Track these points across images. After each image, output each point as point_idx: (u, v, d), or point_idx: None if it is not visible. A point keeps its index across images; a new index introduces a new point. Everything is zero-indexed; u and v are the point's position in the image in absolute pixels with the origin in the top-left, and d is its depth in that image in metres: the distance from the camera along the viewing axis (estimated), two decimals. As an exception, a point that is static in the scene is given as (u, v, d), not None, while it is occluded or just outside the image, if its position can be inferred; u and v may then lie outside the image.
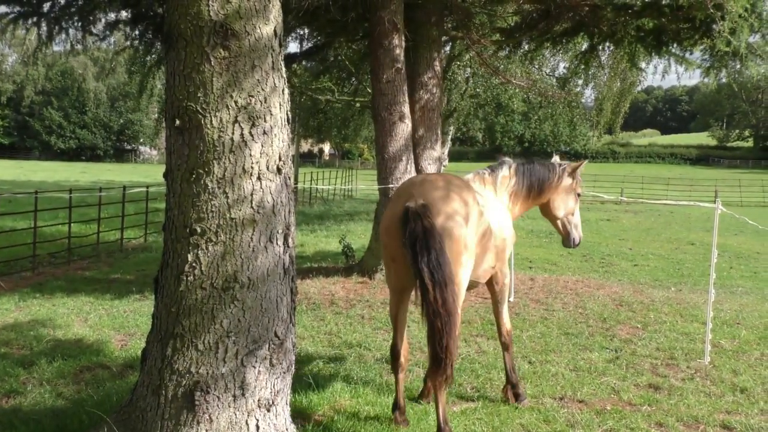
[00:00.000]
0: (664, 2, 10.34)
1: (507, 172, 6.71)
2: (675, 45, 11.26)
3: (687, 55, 11.64)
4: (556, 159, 7.13)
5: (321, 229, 23.17)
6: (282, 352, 4.63)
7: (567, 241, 7.09)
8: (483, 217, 5.69)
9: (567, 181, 6.93)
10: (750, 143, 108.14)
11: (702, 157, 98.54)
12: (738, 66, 11.76)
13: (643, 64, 13.63)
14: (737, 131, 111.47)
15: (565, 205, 7.00)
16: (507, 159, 6.86)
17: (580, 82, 22.90)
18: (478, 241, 5.61)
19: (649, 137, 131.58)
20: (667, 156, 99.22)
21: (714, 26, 9.77)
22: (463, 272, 5.43)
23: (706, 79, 12.45)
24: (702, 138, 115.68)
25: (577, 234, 7.08)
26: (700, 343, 8.45)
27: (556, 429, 5.78)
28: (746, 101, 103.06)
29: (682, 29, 10.60)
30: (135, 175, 58.18)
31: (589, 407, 6.31)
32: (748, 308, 11.16)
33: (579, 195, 7.09)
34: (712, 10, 9.49)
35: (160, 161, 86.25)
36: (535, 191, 6.81)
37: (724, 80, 15.15)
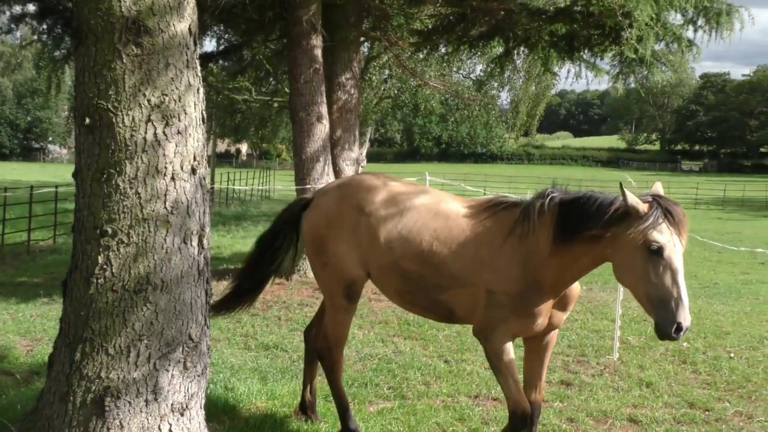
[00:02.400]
0: (576, 9, 10.67)
1: (541, 202, 4.53)
2: (586, 51, 11.64)
3: (597, 61, 12.06)
4: (657, 187, 4.45)
5: (238, 230, 22.87)
6: (196, 355, 4.56)
7: (655, 327, 4.23)
8: (377, 235, 5.04)
9: (628, 224, 4.10)
10: (657, 146, 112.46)
11: (612, 160, 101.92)
12: (645, 72, 12.21)
13: (556, 69, 14.04)
14: (645, 135, 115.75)
15: (627, 265, 4.21)
16: (556, 188, 4.62)
17: (496, 84, 23.38)
18: (371, 254, 5.11)
19: (562, 140, 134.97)
20: (580, 158, 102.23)
21: (623, 33, 10.12)
22: (319, 273, 5.50)
23: (615, 84, 12.91)
24: (612, 141, 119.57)
25: (661, 316, 4.13)
26: (610, 339, 8.72)
27: (471, 427, 5.87)
28: (653, 106, 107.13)
29: (593, 35, 10.97)
30: (43, 174, 56.00)
31: (503, 405, 6.42)
32: (654, 306, 11.56)
33: (659, 249, 4.00)
34: (620, 18, 9.85)
35: (70, 160, 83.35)
36: (569, 237, 4.34)
37: (632, 85, 15.73)
